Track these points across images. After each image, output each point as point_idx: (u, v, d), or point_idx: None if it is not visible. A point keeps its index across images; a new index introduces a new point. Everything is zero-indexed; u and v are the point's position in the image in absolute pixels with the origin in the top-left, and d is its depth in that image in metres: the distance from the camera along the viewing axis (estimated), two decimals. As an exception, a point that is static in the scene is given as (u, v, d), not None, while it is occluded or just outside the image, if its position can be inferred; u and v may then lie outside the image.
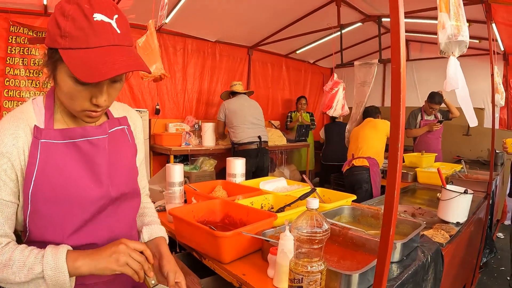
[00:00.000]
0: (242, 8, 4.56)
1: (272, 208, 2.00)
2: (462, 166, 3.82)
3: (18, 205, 0.98)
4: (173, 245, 1.77)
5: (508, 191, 3.72)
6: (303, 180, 2.38)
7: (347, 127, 4.99)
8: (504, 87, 5.37)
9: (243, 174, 2.56)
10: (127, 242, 0.99)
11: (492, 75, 3.13)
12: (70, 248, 0.97)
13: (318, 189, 2.18)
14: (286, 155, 6.51)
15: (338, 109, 4.67)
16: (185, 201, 2.15)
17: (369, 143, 3.95)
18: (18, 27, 3.84)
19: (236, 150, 4.61)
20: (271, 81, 6.88)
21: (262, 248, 1.46)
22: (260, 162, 4.63)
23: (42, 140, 0.97)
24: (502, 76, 5.49)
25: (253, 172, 4.53)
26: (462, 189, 2.14)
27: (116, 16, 0.90)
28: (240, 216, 1.70)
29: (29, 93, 3.95)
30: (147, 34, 2.84)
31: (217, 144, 5.07)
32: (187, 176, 4.38)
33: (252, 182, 2.47)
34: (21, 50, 3.88)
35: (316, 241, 1.01)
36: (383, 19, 4.81)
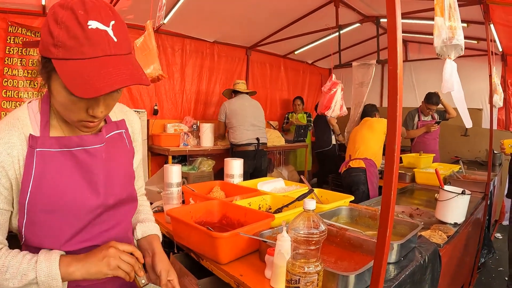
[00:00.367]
0: (240, 8, 4.56)
1: (270, 209, 2.00)
2: (460, 166, 3.82)
3: (11, 212, 0.98)
4: (171, 245, 1.77)
5: (506, 192, 3.72)
6: (301, 181, 2.37)
7: (346, 128, 5.00)
8: (502, 87, 5.39)
9: (241, 175, 2.56)
10: (117, 245, 0.99)
11: (490, 75, 3.13)
12: (63, 253, 0.97)
13: (316, 190, 2.19)
14: (285, 156, 6.51)
15: (336, 109, 4.67)
16: (183, 202, 2.15)
17: (366, 144, 3.94)
18: (16, 28, 3.83)
19: (234, 150, 4.62)
20: (269, 82, 6.88)
21: (260, 249, 1.46)
22: (258, 163, 4.63)
23: (37, 149, 0.95)
24: (500, 76, 5.49)
25: (250, 174, 4.52)
26: (460, 190, 2.14)
27: (112, 22, 0.85)
28: (238, 217, 1.70)
29: (27, 93, 3.95)
30: (145, 35, 2.84)
31: (215, 145, 5.06)
32: (185, 176, 4.37)
33: (250, 183, 2.46)
34: (19, 51, 3.87)
35: (313, 242, 1.01)
36: (381, 20, 4.82)
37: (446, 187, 2.20)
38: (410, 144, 5.04)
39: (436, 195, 2.31)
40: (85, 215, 1.02)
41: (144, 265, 1.10)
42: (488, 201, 3.05)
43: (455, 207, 2.13)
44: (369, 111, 4.34)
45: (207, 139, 4.97)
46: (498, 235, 4.97)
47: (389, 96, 0.91)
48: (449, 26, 1.90)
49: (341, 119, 5.33)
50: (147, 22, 2.86)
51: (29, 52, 3.91)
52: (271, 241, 1.38)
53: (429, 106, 4.66)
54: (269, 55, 6.73)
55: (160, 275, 1.10)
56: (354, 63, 5.12)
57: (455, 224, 2.12)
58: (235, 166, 2.52)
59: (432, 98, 4.60)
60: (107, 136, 1.10)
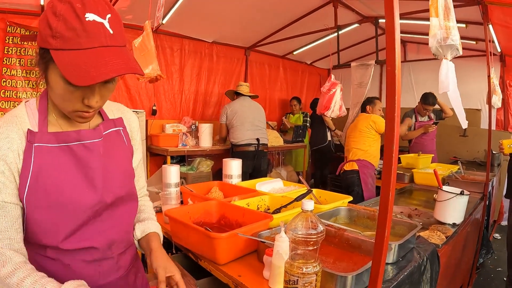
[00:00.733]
0: (239, 9, 4.56)
1: (268, 209, 1.99)
2: (458, 167, 3.82)
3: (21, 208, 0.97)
4: (169, 246, 1.76)
5: (504, 192, 3.72)
6: (299, 181, 2.37)
7: (344, 129, 4.99)
8: (501, 88, 5.39)
9: (239, 175, 2.56)
10: None
11: (489, 76, 3.14)
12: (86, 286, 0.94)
13: (315, 190, 2.18)
14: (283, 156, 6.51)
15: (336, 110, 4.67)
16: (182, 202, 2.15)
17: (357, 144, 3.87)
18: (15, 28, 3.82)
19: (234, 151, 4.62)
20: (268, 82, 6.88)
21: (258, 249, 1.46)
22: (257, 164, 4.63)
23: (36, 144, 0.96)
24: (498, 77, 5.50)
25: (250, 174, 4.53)
26: (458, 190, 2.14)
27: (109, 15, 0.88)
28: (236, 218, 1.70)
29: (26, 93, 3.93)
30: (144, 35, 2.83)
31: (214, 145, 5.06)
32: (183, 177, 4.37)
33: (248, 183, 2.46)
34: (18, 51, 3.87)
35: (311, 242, 1.01)
36: (379, 20, 4.82)
37: (445, 188, 2.20)
38: (408, 145, 5.05)
39: (434, 195, 2.31)
40: (83, 212, 1.01)
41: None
42: (487, 202, 3.05)
43: (454, 208, 2.13)
44: (363, 106, 4.16)
45: (206, 140, 4.97)
46: (497, 235, 4.98)
47: (387, 96, 0.91)
48: (443, 26, 1.90)
49: (341, 119, 5.33)
50: (145, 22, 2.86)
51: (27, 52, 3.90)
52: (269, 241, 1.38)
53: (426, 107, 4.66)
54: (268, 55, 6.73)
55: (157, 272, 1.09)
56: (353, 64, 5.12)
57: (454, 225, 2.12)
58: (233, 167, 2.52)
59: (428, 99, 4.59)
60: (105, 133, 1.10)
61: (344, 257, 1.49)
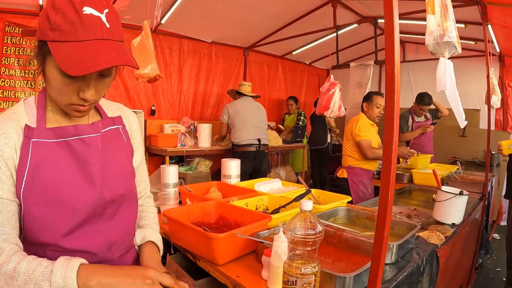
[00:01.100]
0: (238, 9, 4.56)
1: (267, 209, 1.99)
2: (457, 167, 3.82)
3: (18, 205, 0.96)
4: (168, 246, 1.76)
5: (503, 192, 3.72)
6: (298, 181, 2.37)
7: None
8: (500, 88, 5.40)
9: (238, 176, 2.55)
10: (157, 273, 0.96)
11: (488, 76, 3.14)
12: (84, 261, 0.93)
13: (314, 191, 2.18)
14: (282, 156, 6.51)
15: (335, 110, 4.67)
16: (180, 203, 2.14)
17: (346, 151, 3.71)
18: (13, 27, 3.82)
19: (235, 151, 4.61)
20: (267, 82, 6.88)
21: (257, 249, 1.45)
22: (258, 164, 4.62)
23: (33, 140, 0.96)
24: (497, 77, 5.51)
25: (250, 174, 4.52)
26: (457, 190, 2.14)
27: (106, 10, 0.89)
28: (235, 218, 1.69)
29: (24, 93, 3.92)
30: (142, 35, 2.83)
31: (212, 145, 5.05)
32: (182, 177, 4.37)
33: (247, 184, 2.46)
34: (17, 50, 3.86)
35: (309, 243, 1.00)
36: (379, 21, 4.82)
37: (444, 188, 2.19)
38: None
39: (434, 195, 2.31)
40: (82, 209, 1.00)
41: None
42: (486, 202, 3.05)
43: (453, 208, 2.12)
44: (362, 104, 3.85)
45: (205, 140, 4.96)
46: (496, 235, 4.98)
47: (386, 96, 0.90)
48: (440, 23, 1.89)
49: (339, 119, 5.34)
50: (144, 22, 2.85)
51: (26, 52, 3.90)
52: (268, 242, 1.37)
53: (421, 107, 4.65)
54: (267, 55, 6.73)
55: None
56: (352, 64, 5.13)
57: (453, 225, 2.11)
58: (232, 167, 2.52)
59: (424, 99, 4.59)
60: (103, 130, 1.10)
61: (343, 258, 1.48)
